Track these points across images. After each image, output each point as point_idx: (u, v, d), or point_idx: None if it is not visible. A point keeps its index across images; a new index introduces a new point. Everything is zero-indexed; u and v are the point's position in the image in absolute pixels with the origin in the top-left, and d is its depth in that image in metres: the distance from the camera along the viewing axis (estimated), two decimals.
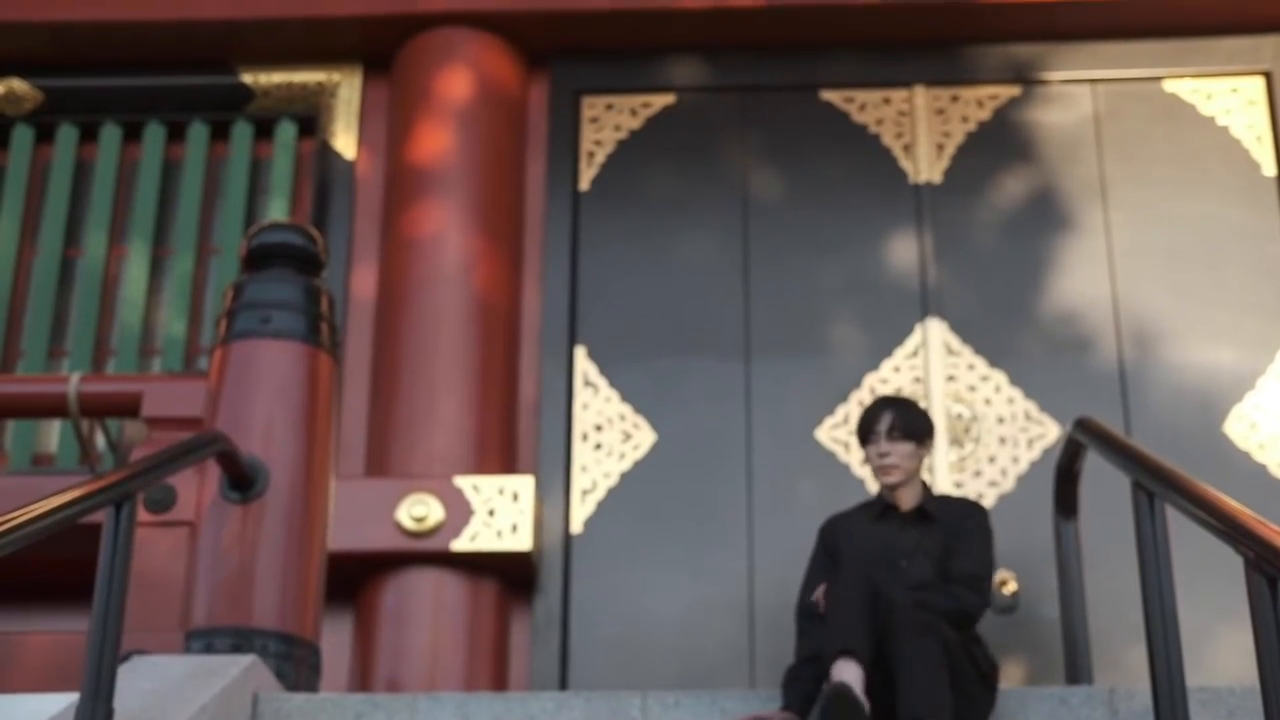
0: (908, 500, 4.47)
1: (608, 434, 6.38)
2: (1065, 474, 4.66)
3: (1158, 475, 3.56)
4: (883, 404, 4.54)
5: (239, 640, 4.43)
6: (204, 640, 4.44)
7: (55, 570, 5.13)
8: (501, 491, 5.99)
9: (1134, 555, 3.79)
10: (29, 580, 5.62)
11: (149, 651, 4.40)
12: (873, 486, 6.36)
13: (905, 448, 4.45)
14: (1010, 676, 5.89)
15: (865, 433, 4.52)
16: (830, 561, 4.38)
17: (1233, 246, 6.50)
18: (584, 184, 6.76)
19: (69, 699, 3.96)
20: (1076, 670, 4.63)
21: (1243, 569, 3.10)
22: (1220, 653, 5.83)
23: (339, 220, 6.68)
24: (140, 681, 4.00)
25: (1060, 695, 4.05)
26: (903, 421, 4.46)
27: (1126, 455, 3.79)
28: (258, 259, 4.89)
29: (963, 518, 4.42)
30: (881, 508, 4.49)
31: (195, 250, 6.73)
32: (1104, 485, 5.57)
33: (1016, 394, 6.33)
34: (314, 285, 4.90)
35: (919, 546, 4.35)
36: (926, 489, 4.52)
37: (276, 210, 6.69)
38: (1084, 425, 4.21)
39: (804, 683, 4.13)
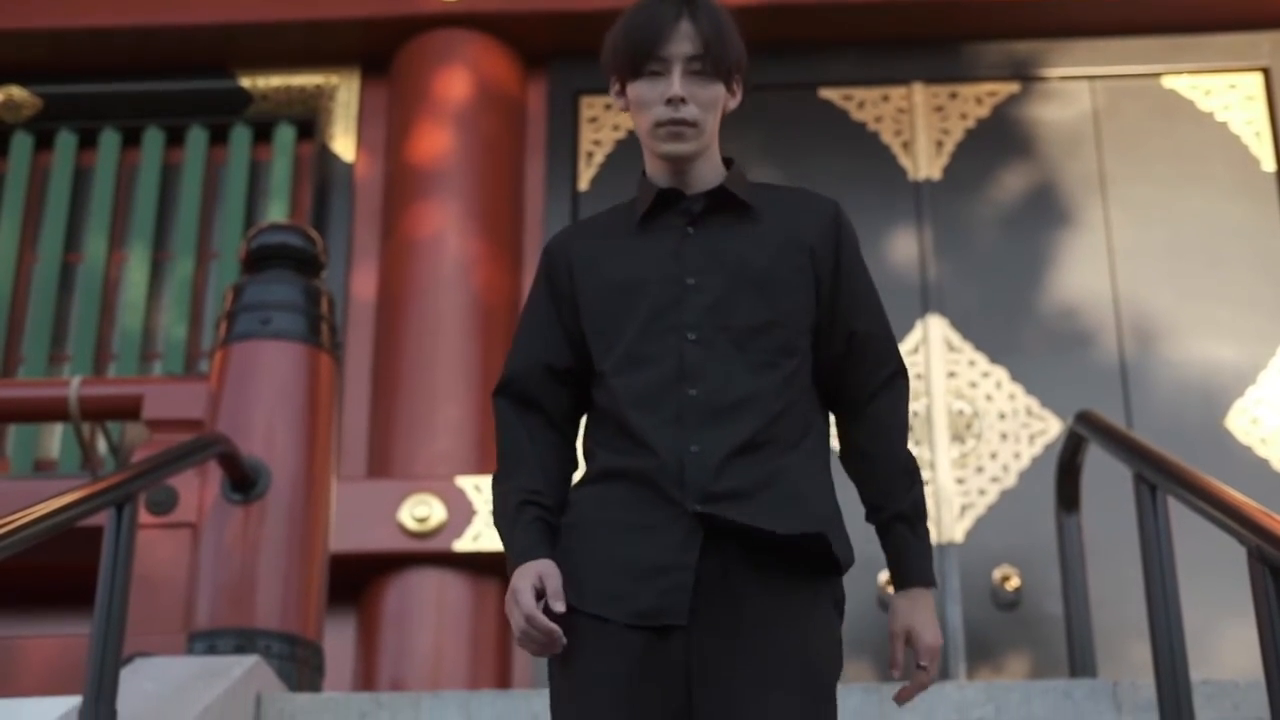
0: (701, 179, 2.52)
1: None
2: (1067, 468, 4.66)
3: (1160, 467, 3.56)
4: (669, 6, 2.52)
5: (242, 641, 4.43)
6: (207, 641, 4.44)
7: (58, 575, 5.12)
8: None
9: (1137, 551, 3.79)
10: (32, 585, 5.61)
11: (152, 653, 4.40)
12: None
13: (711, 91, 2.48)
14: (1013, 671, 5.89)
15: (640, 56, 2.49)
16: (556, 307, 2.55)
17: (1232, 242, 6.50)
18: (583, 184, 6.75)
19: (72, 702, 3.96)
20: (1080, 664, 4.62)
21: (1245, 561, 3.10)
22: (1225, 647, 5.82)
23: (338, 223, 6.68)
24: (143, 683, 4.00)
25: (1064, 688, 4.05)
26: (714, 45, 2.48)
27: (1128, 448, 3.79)
28: (257, 260, 4.89)
29: (817, 223, 2.52)
30: (652, 198, 2.51)
31: (195, 254, 6.73)
32: (1106, 481, 5.57)
33: (1018, 390, 6.33)
34: (314, 286, 4.90)
35: (719, 254, 2.47)
36: (731, 165, 2.57)
37: (276, 213, 6.69)
38: (1085, 418, 4.21)
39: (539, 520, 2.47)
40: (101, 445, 6.03)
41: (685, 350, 2.42)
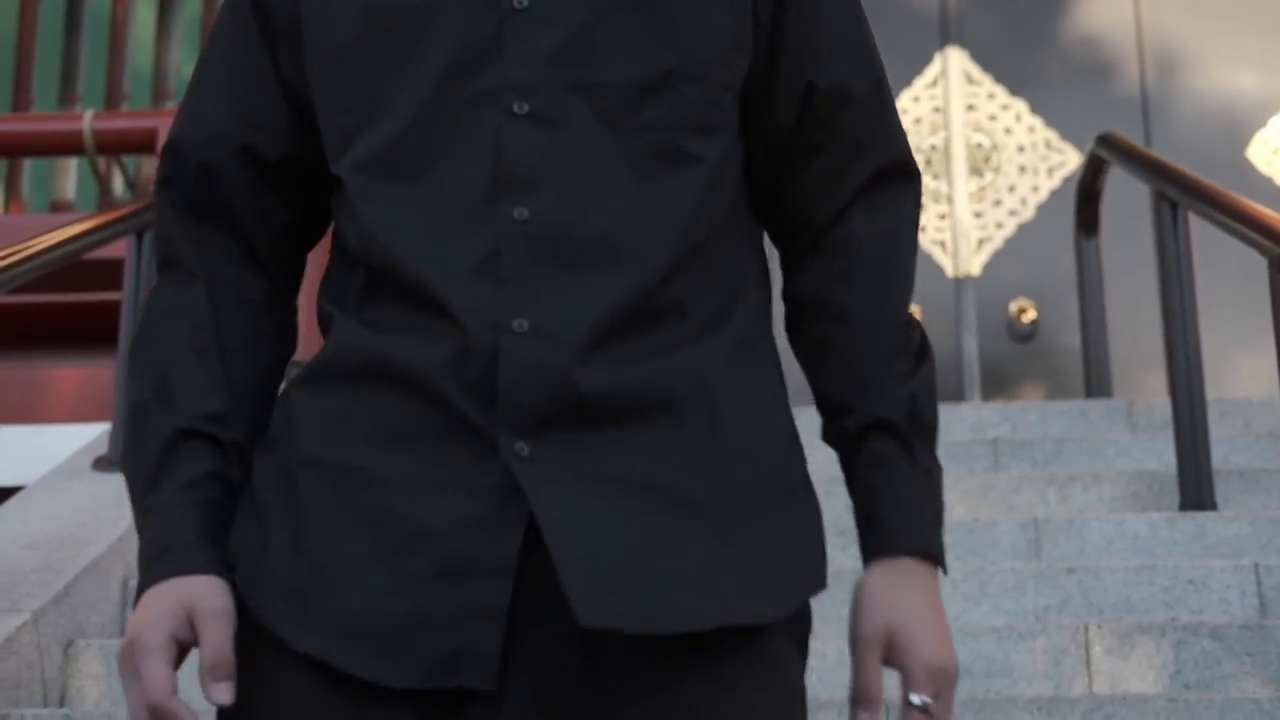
0: None
1: None
2: (1087, 192, 4.66)
3: (1181, 183, 3.55)
4: None
5: None
6: None
7: (83, 310, 5.17)
8: None
9: (1153, 284, 3.79)
10: (59, 320, 5.67)
11: None
12: None
13: None
14: (1029, 396, 5.95)
15: None
16: (266, 41, 1.32)
17: None
18: None
19: (101, 428, 4.03)
20: (1096, 387, 4.67)
21: (1261, 284, 3.11)
22: (1238, 373, 5.88)
23: None
24: None
25: (1080, 409, 4.10)
26: None
27: (1149, 166, 3.77)
28: None
29: None
30: None
31: None
32: (1123, 214, 5.56)
33: (1037, 122, 6.27)
34: None
35: None
36: None
37: None
38: (1107, 140, 4.19)
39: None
40: (118, 183, 6.03)
41: (508, 133, 1.23)
